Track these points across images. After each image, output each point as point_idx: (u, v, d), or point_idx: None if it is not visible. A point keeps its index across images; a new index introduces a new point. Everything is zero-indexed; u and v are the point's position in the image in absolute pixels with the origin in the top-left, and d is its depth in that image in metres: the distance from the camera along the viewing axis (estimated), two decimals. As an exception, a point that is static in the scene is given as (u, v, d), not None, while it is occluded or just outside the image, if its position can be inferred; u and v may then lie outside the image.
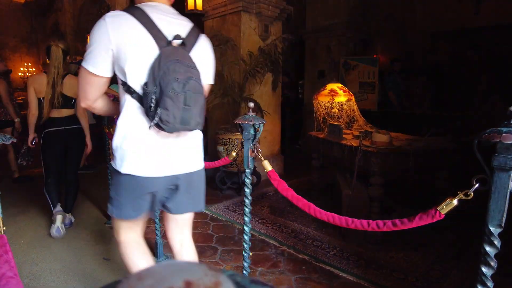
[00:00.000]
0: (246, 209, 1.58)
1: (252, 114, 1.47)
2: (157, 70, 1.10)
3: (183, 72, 1.10)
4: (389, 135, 2.56)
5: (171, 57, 1.11)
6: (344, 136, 2.99)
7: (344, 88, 3.26)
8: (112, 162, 1.27)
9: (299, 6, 6.72)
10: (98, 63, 1.15)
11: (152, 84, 1.10)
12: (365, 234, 2.64)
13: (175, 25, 1.23)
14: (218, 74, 3.91)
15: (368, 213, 2.60)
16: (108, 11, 6.58)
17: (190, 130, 1.21)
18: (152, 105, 1.09)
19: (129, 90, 1.17)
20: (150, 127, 1.13)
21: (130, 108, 1.19)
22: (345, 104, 3.19)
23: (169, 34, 1.18)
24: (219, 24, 4.26)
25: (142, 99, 1.15)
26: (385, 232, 1.22)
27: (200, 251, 2.49)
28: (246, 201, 1.57)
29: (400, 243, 2.55)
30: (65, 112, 2.76)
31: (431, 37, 8.61)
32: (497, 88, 4.46)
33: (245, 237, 1.59)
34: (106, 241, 2.71)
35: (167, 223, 1.49)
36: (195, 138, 1.35)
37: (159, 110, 1.08)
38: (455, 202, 0.95)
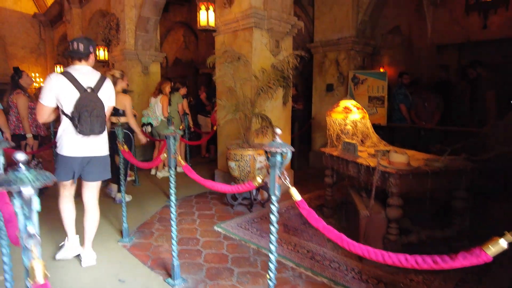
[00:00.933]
0: (272, 237, 1.54)
1: (279, 140, 1.45)
2: (77, 105, 2.26)
3: (90, 106, 2.28)
4: (406, 155, 2.53)
5: (85, 98, 2.28)
6: (358, 153, 2.97)
7: (358, 105, 3.25)
8: (57, 149, 2.43)
9: (307, 20, 6.78)
10: (46, 100, 2.29)
11: (76, 112, 2.25)
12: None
13: (89, 79, 2.38)
14: (230, 90, 3.92)
15: (386, 234, 2.56)
16: (117, 24, 6.65)
17: (96, 134, 2.37)
18: (76, 122, 2.25)
19: (64, 113, 2.33)
20: (76, 133, 2.30)
21: (66, 122, 2.35)
22: (360, 122, 3.17)
23: (85, 84, 2.33)
24: (230, 39, 4.29)
25: (71, 118, 2.29)
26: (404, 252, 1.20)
27: (216, 273, 2.45)
28: (272, 229, 1.53)
29: (420, 266, 2.50)
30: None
31: (437, 50, 8.65)
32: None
33: (271, 265, 1.55)
34: (120, 259, 2.67)
35: (82, 188, 2.57)
36: (100, 137, 2.47)
37: (79, 125, 2.26)
38: (503, 244, 0.92)
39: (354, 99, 5.44)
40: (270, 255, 1.56)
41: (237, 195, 3.92)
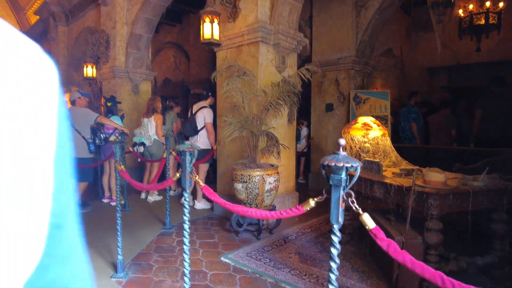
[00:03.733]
0: (332, 276, 1.23)
1: (343, 153, 1.17)
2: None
3: None
4: (444, 174, 2.30)
5: None
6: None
7: (377, 121, 3.05)
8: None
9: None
10: None
11: None
12: (420, 286, 2.29)
13: None
14: (236, 107, 3.65)
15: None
16: (106, 40, 6.38)
17: None
18: None
19: None
20: None
21: None
22: (381, 139, 2.95)
23: None
24: (233, 55, 4.08)
25: None
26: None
27: (234, 315, 2.07)
28: (333, 265, 1.22)
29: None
30: None
31: (428, 72, 8.81)
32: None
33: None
34: (115, 301, 2.25)
35: None
36: None
37: None
38: None
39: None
40: (329, 298, 1.23)
41: (241, 221, 3.56)
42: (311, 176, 6.09)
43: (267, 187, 3.35)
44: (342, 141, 1.19)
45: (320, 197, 1.30)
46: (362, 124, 2.98)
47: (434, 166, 3.66)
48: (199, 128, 4.43)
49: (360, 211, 1.17)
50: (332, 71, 5.71)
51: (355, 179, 1.17)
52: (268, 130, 3.65)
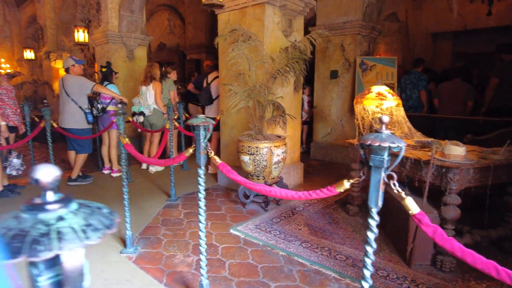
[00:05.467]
0: (368, 261, 1.16)
1: (387, 131, 1.06)
2: None
3: None
4: (464, 147, 2.22)
5: None
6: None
7: (391, 91, 2.90)
8: None
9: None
10: None
11: None
12: (434, 259, 2.29)
13: None
14: (241, 75, 3.47)
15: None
16: (97, 2, 5.96)
17: None
18: None
19: None
20: None
21: None
22: (395, 109, 2.83)
23: None
24: (236, 17, 3.81)
25: None
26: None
27: (250, 290, 2.06)
28: (369, 249, 1.15)
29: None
30: None
31: (433, 37, 8.50)
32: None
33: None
34: (127, 276, 2.22)
35: None
36: None
37: None
38: None
39: (362, 86, 5.17)
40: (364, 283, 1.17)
41: (248, 192, 3.51)
42: (314, 145, 6.01)
43: (275, 159, 3.26)
44: (386, 118, 1.07)
45: (357, 178, 1.20)
46: (376, 93, 2.84)
47: (441, 137, 3.59)
48: (214, 97, 4.74)
49: (403, 195, 1.08)
50: (337, 36, 5.43)
51: (398, 159, 1.06)
52: (275, 99, 3.49)
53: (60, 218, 0.38)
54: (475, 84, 5.34)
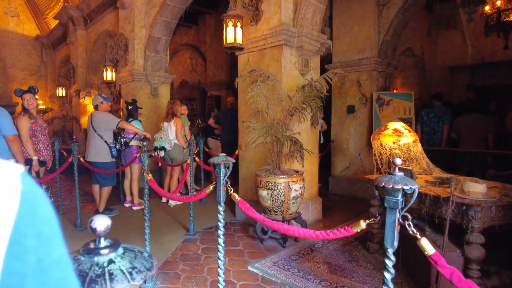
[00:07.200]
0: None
1: (400, 173, 1.10)
2: None
3: None
4: (484, 184, 2.19)
5: None
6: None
7: (408, 127, 2.94)
8: None
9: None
10: None
11: None
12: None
13: None
14: (260, 112, 3.60)
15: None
16: (125, 44, 6.41)
17: None
18: None
19: None
20: None
21: None
22: (412, 145, 2.85)
23: None
24: (255, 58, 4.02)
25: None
26: None
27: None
28: (387, 291, 1.15)
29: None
30: None
31: (450, 71, 8.54)
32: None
33: None
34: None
35: None
36: None
37: None
38: None
39: (379, 121, 5.20)
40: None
41: (266, 228, 3.51)
42: (332, 179, 5.98)
43: (293, 194, 3.29)
44: (398, 161, 1.12)
45: (372, 219, 1.23)
46: (392, 130, 2.88)
47: (463, 172, 3.52)
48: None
49: (418, 236, 1.10)
50: (353, 72, 5.59)
51: (412, 201, 1.10)
52: (292, 135, 3.58)
53: (111, 261, 0.45)
54: (493, 117, 5.27)
